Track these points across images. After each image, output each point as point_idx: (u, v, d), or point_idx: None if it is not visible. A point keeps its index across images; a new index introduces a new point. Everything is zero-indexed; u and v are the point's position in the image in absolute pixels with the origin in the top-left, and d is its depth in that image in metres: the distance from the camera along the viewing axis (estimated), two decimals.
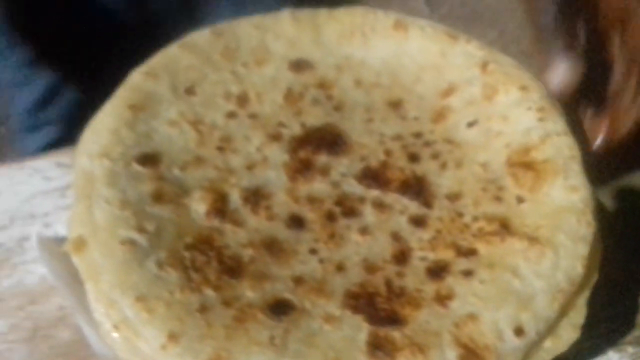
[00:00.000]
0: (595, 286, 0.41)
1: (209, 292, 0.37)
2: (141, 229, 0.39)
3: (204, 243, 0.40)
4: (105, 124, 0.45)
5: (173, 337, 0.35)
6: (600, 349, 0.46)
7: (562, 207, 0.41)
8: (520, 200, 0.43)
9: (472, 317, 0.36)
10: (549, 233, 0.40)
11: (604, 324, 0.46)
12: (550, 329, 0.37)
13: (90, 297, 0.39)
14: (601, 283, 0.41)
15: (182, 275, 0.38)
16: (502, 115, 0.47)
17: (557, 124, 0.45)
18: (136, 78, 0.48)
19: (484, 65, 0.50)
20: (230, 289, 0.38)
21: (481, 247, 0.41)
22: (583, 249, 0.39)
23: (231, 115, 0.48)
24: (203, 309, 0.36)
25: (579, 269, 0.38)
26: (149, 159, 0.43)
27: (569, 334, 0.38)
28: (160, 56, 0.49)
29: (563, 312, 0.38)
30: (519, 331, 0.36)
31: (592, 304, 0.40)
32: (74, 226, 0.40)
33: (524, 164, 0.44)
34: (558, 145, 0.44)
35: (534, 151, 0.44)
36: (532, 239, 0.40)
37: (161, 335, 0.35)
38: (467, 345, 0.35)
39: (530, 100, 0.47)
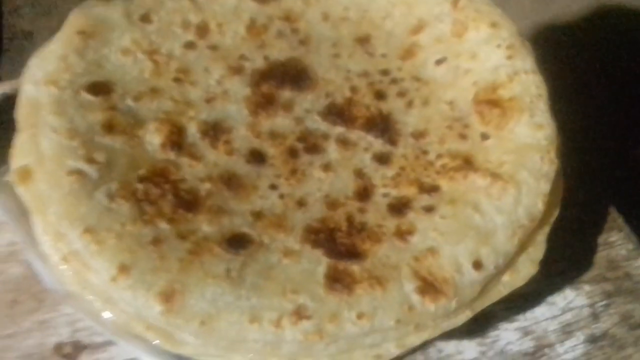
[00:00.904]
0: (555, 223, 0.41)
1: (163, 225, 0.36)
2: (90, 160, 0.37)
3: (159, 176, 0.38)
4: (52, 51, 0.42)
5: (124, 269, 0.33)
6: (558, 287, 0.47)
7: (527, 145, 0.41)
8: (484, 137, 0.42)
9: (432, 250, 0.36)
10: (512, 170, 0.39)
11: (562, 263, 0.47)
12: (509, 263, 0.37)
13: (37, 230, 0.37)
14: (561, 222, 0.42)
15: (134, 207, 0.36)
16: (471, 53, 0.46)
17: (525, 62, 0.44)
18: (88, 3, 0.45)
19: (454, 2, 0.48)
20: (186, 223, 0.37)
21: (444, 183, 0.40)
22: (545, 186, 0.39)
23: (190, 45, 0.45)
24: (156, 241, 0.35)
25: (539, 205, 0.38)
26: (100, 88, 0.41)
27: (527, 269, 0.38)
28: None
29: (522, 247, 0.38)
30: (477, 265, 0.36)
31: (551, 241, 0.41)
32: (19, 156, 0.38)
33: (490, 101, 0.43)
34: (525, 83, 0.43)
35: (501, 89, 0.43)
36: (495, 176, 0.39)
37: (111, 267, 0.33)
38: (426, 278, 0.35)
39: (499, 38, 0.45)
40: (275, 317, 0.33)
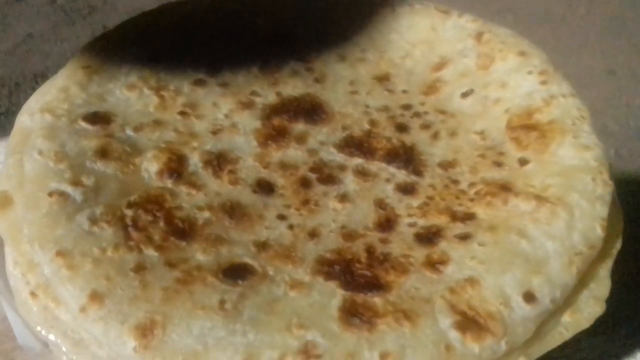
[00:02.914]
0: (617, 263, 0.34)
1: (150, 252, 0.31)
2: (76, 183, 0.33)
3: (152, 203, 0.34)
4: (53, 84, 0.40)
5: (96, 297, 0.28)
6: (627, 349, 0.38)
7: (574, 167, 0.35)
8: (523, 162, 0.37)
9: (472, 281, 0.29)
10: (560, 192, 0.33)
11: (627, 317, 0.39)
12: (569, 301, 0.30)
13: (8, 262, 0.32)
14: (624, 260, 0.35)
15: (118, 232, 0.31)
16: (500, 82, 0.42)
17: (561, 86, 0.40)
18: (96, 42, 0.44)
19: (478, 36, 0.45)
20: (177, 251, 0.31)
21: (480, 211, 0.34)
22: (601, 209, 0.33)
23: (199, 82, 0.43)
24: (139, 268, 0.30)
25: (598, 230, 0.32)
26: (99, 118, 0.38)
27: (591, 307, 0.31)
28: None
29: (583, 283, 0.31)
30: (529, 297, 0.29)
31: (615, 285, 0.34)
32: (0, 182, 0.34)
33: (526, 126, 0.38)
34: (565, 106, 0.38)
35: (537, 113, 0.39)
36: (541, 199, 0.33)
37: (82, 295, 0.28)
38: (466, 312, 0.28)
39: (530, 65, 0.42)
40: (277, 356, 0.26)
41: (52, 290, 0.29)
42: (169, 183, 0.35)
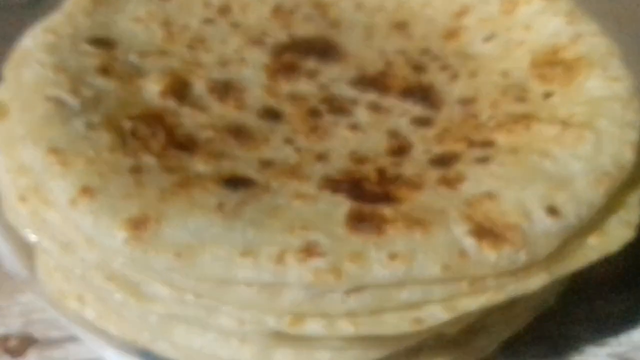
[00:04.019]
0: None
1: (148, 159, 0.29)
2: (75, 92, 0.31)
3: (153, 118, 0.32)
4: (59, 11, 0.39)
5: (87, 191, 0.26)
6: None
7: (602, 97, 0.33)
8: (547, 95, 0.34)
9: (490, 195, 0.27)
10: (587, 119, 0.31)
11: None
12: (596, 223, 0.28)
13: (0, 171, 0.31)
14: None
15: (116, 139, 0.29)
16: (524, 25, 0.40)
17: (589, 25, 0.38)
18: None
19: None
20: (177, 160, 0.29)
21: (501, 137, 0.32)
22: (631, 134, 0.30)
23: (209, 21, 0.41)
24: (135, 170, 0.28)
25: (628, 154, 0.29)
26: (103, 42, 0.36)
27: (620, 232, 0.28)
28: None
29: (611, 208, 0.29)
30: (552, 211, 0.26)
31: None
32: None
33: (551, 62, 0.36)
34: (593, 44, 0.36)
35: (563, 51, 0.37)
36: (566, 124, 0.31)
37: (72, 189, 0.26)
38: (482, 223, 0.26)
39: (556, 7, 0.40)
40: (276, 252, 0.24)
41: (42, 191, 0.28)
42: (171, 103, 0.34)
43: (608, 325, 0.34)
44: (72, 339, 0.32)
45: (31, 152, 0.28)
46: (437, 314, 0.24)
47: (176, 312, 0.26)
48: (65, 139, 0.29)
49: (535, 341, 0.33)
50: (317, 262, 0.24)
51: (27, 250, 0.35)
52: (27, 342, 0.32)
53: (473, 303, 0.25)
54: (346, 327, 0.24)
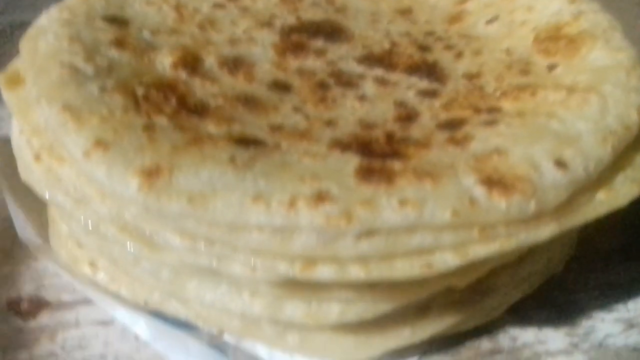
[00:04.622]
0: None
1: (161, 119, 0.29)
2: (89, 60, 0.32)
3: (165, 86, 0.33)
4: None
5: (100, 144, 0.26)
6: None
7: (606, 66, 0.33)
8: (552, 67, 0.35)
9: (498, 151, 0.27)
10: (592, 85, 0.32)
11: None
12: (604, 179, 0.28)
13: (14, 133, 0.31)
14: None
15: (129, 102, 0.30)
16: (527, 6, 0.41)
17: (590, 4, 0.39)
18: None
19: None
20: (189, 121, 0.30)
21: (507, 104, 0.32)
22: (636, 98, 0.31)
23: (219, 5, 0.42)
24: (148, 128, 0.28)
25: (633, 115, 0.30)
26: (117, 20, 0.37)
27: (627, 188, 0.28)
28: None
29: (619, 166, 0.29)
30: (560, 164, 0.27)
31: None
32: (12, 65, 0.34)
33: (554, 37, 0.37)
34: (595, 19, 0.37)
35: (566, 27, 0.37)
36: (572, 89, 0.32)
37: (86, 142, 0.27)
38: (491, 175, 0.26)
39: None
40: (287, 198, 0.24)
41: (56, 149, 0.28)
42: (182, 74, 0.34)
43: (616, 293, 0.34)
44: (83, 302, 0.32)
45: (45, 111, 0.28)
46: (447, 260, 0.25)
47: (188, 260, 0.26)
48: (79, 99, 0.29)
49: (542, 306, 0.33)
50: (328, 208, 0.24)
51: (40, 219, 0.36)
52: (39, 304, 0.32)
53: (484, 250, 0.25)
54: (357, 272, 0.24)
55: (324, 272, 0.24)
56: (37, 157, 0.29)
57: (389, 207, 0.24)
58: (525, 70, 0.36)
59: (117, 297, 0.32)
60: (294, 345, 0.30)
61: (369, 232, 0.24)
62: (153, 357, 0.30)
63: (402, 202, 0.24)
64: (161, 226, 0.26)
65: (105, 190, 0.27)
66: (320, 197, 0.24)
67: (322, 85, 0.36)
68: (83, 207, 0.27)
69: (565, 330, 0.33)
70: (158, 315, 0.31)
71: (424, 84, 0.36)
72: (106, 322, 0.32)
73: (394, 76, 0.37)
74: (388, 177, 0.26)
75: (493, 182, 0.26)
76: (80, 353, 0.31)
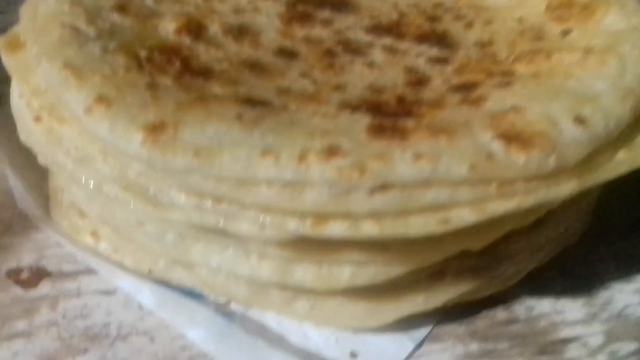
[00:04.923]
0: None
1: (165, 79, 0.28)
2: (91, 23, 0.31)
3: (168, 50, 0.32)
4: None
5: (103, 100, 0.26)
6: None
7: (622, 29, 0.32)
8: (565, 33, 0.34)
9: (515, 109, 0.27)
10: (608, 46, 0.31)
11: None
12: (624, 139, 0.27)
13: (13, 96, 0.30)
14: None
15: (132, 62, 0.29)
16: None
17: None
18: None
19: None
20: (193, 83, 0.29)
21: (521, 67, 0.31)
22: None
23: None
24: (152, 86, 0.27)
25: None
26: None
27: None
28: None
29: (637, 125, 0.28)
30: (579, 120, 0.26)
31: None
32: (12, 31, 0.33)
33: (567, 4, 0.36)
34: None
35: None
36: (588, 51, 0.31)
37: (87, 98, 0.26)
38: (509, 131, 0.25)
39: None
40: (297, 152, 0.24)
41: (57, 109, 0.27)
42: (186, 40, 0.33)
43: (634, 264, 0.33)
44: (85, 271, 0.32)
45: (46, 69, 0.27)
46: (464, 216, 0.24)
47: (194, 219, 0.25)
48: (81, 58, 0.28)
49: (559, 277, 0.32)
50: (340, 161, 0.23)
51: (41, 192, 0.35)
52: (40, 274, 0.31)
53: (502, 206, 0.24)
54: (370, 228, 0.23)
55: (336, 228, 0.23)
56: (37, 119, 0.28)
57: (403, 160, 0.23)
58: (538, 37, 0.35)
59: (120, 266, 0.31)
60: (304, 312, 0.29)
61: (382, 187, 0.23)
62: (157, 325, 0.30)
63: (417, 156, 0.23)
64: (166, 184, 0.25)
65: (108, 149, 0.26)
66: (331, 151, 0.24)
67: (330, 53, 0.35)
68: (85, 167, 0.27)
69: (582, 300, 0.32)
70: (163, 284, 0.30)
71: (434, 51, 0.35)
72: (109, 292, 0.31)
73: (403, 45, 0.36)
74: (401, 133, 0.25)
75: (511, 137, 0.25)
76: (82, 322, 0.30)
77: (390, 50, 0.36)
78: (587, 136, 0.26)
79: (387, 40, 0.37)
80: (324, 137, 0.24)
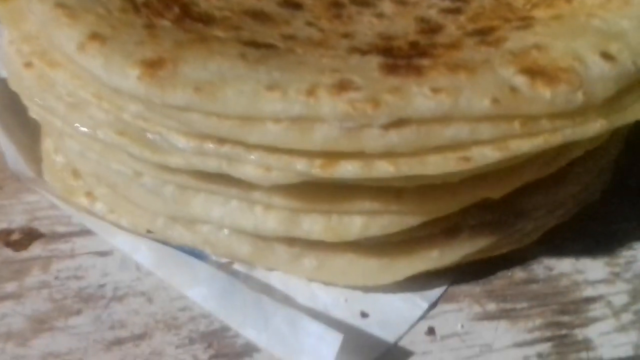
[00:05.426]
0: None
1: (163, 22, 0.27)
2: None
3: None
4: None
5: (96, 37, 0.24)
6: None
7: None
8: None
9: (538, 47, 0.25)
10: None
11: None
12: None
13: (3, 44, 0.29)
14: None
15: (128, 5, 0.27)
16: None
17: None
18: None
19: None
20: (193, 26, 0.27)
21: (540, 12, 0.30)
22: None
23: None
24: (150, 26, 0.26)
25: None
26: None
27: None
28: None
29: None
30: (606, 56, 0.24)
31: None
32: None
33: None
34: None
35: None
36: None
37: (80, 36, 0.24)
38: (532, 67, 0.23)
39: None
40: (306, 87, 0.22)
41: (49, 52, 0.26)
42: None
43: None
44: (79, 233, 0.30)
45: (37, 8, 0.25)
46: (486, 154, 0.22)
47: (196, 164, 0.23)
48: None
49: (579, 237, 0.31)
50: (353, 94, 0.22)
51: (33, 155, 0.33)
52: (31, 236, 0.30)
53: (527, 144, 0.22)
54: (385, 167, 0.22)
55: (348, 168, 0.22)
56: (28, 65, 0.26)
57: (421, 94, 0.22)
58: None
59: (117, 226, 0.29)
60: (311, 270, 0.27)
61: (398, 122, 0.21)
62: (156, 286, 0.28)
63: (435, 90, 0.22)
64: (164, 127, 0.23)
65: (102, 92, 0.24)
66: (342, 86, 0.22)
67: (336, 4, 0.33)
68: (78, 113, 0.25)
69: (604, 260, 0.30)
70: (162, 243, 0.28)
71: (446, 3, 0.34)
72: (104, 253, 0.29)
73: None
74: (416, 70, 0.23)
75: (535, 72, 0.23)
76: (75, 283, 0.28)
77: (400, 2, 0.34)
78: (616, 72, 0.24)
79: None
80: (334, 73, 0.23)
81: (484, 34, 0.28)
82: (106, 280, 0.28)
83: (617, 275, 0.29)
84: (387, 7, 0.33)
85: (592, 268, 0.30)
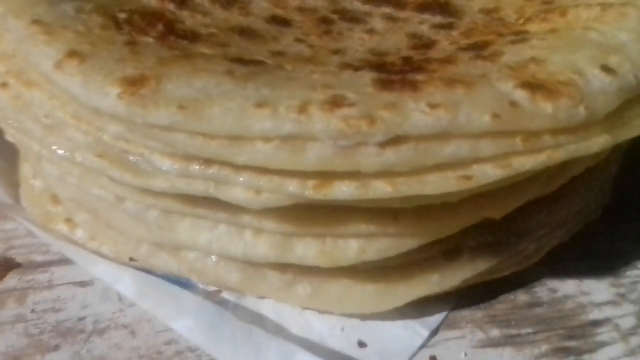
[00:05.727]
0: None
1: (147, 39, 0.26)
2: None
3: (150, 14, 0.29)
4: None
5: (75, 55, 0.22)
6: None
7: None
8: None
9: (536, 60, 0.24)
10: (626, 0, 0.29)
11: None
12: None
13: None
14: None
15: (110, 22, 0.26)
16: None
17: None
18: None
19: None
20: (178, 44, 0.26)
21: (534, 27, 0.29)
22: None
23: None
24: (132, 43, 0.24)
25: None
26: None
27: None
28: None
29: None
30: (607, 70, 0.23)
31: None
32: None
33: None
34: None
35: None
36: (605, 5, 0.28)
37: (58, 54, 0.23)
38: (531, 81, 0.22)
39: None
40: (297, 104, 0.21)
41: (26, 72, 0.24)
42: (170, 6, 0.30)
43: None
44: (58, 262, 0.28)
45: (13, 25, 0.24)
46: (488, 172, 0.21)
47: (181, 187, 0.22)
48: (52, 16, 0.25)
49: (582, 257, 0.30)
50: (347, 111, 0.20)
51: (11, 180, 0.32)
52: (7, 266, 0.28)
53: (530, 161, 0.21)
54: (383, 188, 0.20)
55: (343, 189, 0.20)
56: (4, 85, 0.25)
57: (418, 110, 0.21)
58: (548, 1, 0.32)
59: (98, 254, 0.28)
60: (305, 298, 0.26)
61: (395, 140, 0.20)
62: (139, 318, 0.26)
63: (433, 106, 0.21)
64: (147, 148, 0.22)
65: (81, 113, 0.23)
66: (336, 102, 0.21)
67: (326, 21, 0.32)
68: (56, 135, 0.23)
69: (609, 280, 0.29)
70: (146, 272, 0.27)
71: (437, 19, 0.33)
72: (85, 283, 0.28)
73: (404, 14, 0.34)
74: (412, 85, 0.22)
75: (535, 86, 0.22)
76: (53, 316, 0.26)
77: (391, 19, 0.33)
78: (617, 86, 0.23)
79: (387, 10, 0.34)
80: (327, 89, 0.22)
81: (479, 49, 0.27)
82: (86, 312, 0.26)
83: (623, 296, 0.28)
84: (378, 24, 0.32)
85: (597, 289, 0.29)
